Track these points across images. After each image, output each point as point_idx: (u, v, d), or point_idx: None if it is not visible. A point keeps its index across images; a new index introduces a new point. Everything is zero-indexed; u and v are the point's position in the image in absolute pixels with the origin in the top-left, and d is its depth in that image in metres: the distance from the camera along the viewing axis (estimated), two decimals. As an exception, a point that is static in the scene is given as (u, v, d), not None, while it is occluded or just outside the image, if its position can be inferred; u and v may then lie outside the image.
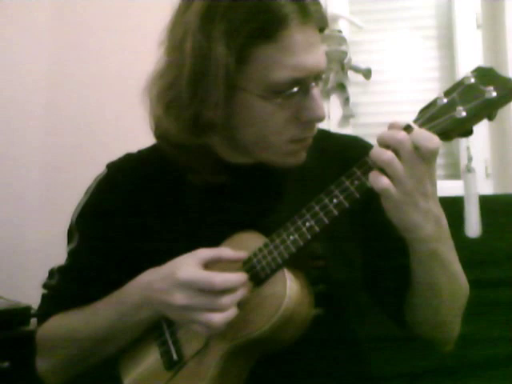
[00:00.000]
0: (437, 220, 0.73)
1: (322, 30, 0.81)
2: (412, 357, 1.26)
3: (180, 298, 0.75)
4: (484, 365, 1.27)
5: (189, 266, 0.77)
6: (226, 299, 0.74)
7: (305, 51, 0.76)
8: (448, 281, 0.81)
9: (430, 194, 0.70)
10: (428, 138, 0.68)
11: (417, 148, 0.67)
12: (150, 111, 0.86)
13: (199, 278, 0.75)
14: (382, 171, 0.69)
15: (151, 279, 0.81)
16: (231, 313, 0.74)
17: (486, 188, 1.85)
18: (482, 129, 1.86)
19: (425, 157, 0.68)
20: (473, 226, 0.73)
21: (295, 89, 0.77)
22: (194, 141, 0.83)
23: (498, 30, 1.88)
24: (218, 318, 0.73)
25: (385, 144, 0.69)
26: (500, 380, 1.26)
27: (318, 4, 0.80)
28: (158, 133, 0.88)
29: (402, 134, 0.68)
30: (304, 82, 0.78)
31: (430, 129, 0.70)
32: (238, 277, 0.76)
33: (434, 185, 0.71)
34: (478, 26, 1.92)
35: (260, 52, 0.75)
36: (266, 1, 0.75)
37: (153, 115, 0.86)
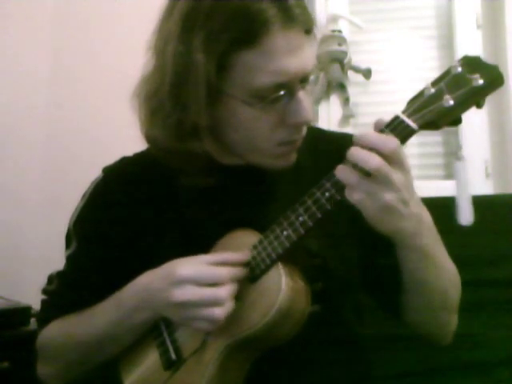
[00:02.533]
0: (418, 219, 0.73)
1: (308, 31, 0.79)
2: (412, 357, 1.26)
3: (179, 295, 0.75)
4: (483, 365, 1.27)
5: (190, 264, 0.78)
6: (224, 292, 0.74)
7: (287, 55, 0.75)
8: (437, 275, 0.82)
9: (409, 199, 0.70)
10: (383, 141, 0.68)
11: (382, 155, 0.67)
12: (138, 116, 0.86)
13: (203, 271, 0.76)
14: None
15: (149, 280, 0.81)
16: (229, 306, 0.75)
17: (486, 188, 1.85)
18: (481, 129, 1.86)
19: (392, 160, 0.68)
20: (465, 214, 0.73)
21: (281, 92, 0.77)
22: (181, 146, 0.83)
23: (498, 30, 1.88)
24: (218, 311, 0.74)
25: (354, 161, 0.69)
26: (499, 380, 1.26)
27: (302, 5, 0.78)
28: (147, 137, 0.88)
29: (364, 154, 0.68)
30: (289, 86, 0.77)
31: (418, 119, 0.70)
32: (239, 270, 0.77)
33: (411, 188, 0.71)
34: (478, 26, 1.91)
35: (242, 58, 0.75)
36: (247, 5, 0.73)
37: (140, 121, 0.86)
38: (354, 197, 0.69)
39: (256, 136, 0.80)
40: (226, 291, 0.75)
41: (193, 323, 0.77)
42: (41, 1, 1.99)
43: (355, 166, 0.68)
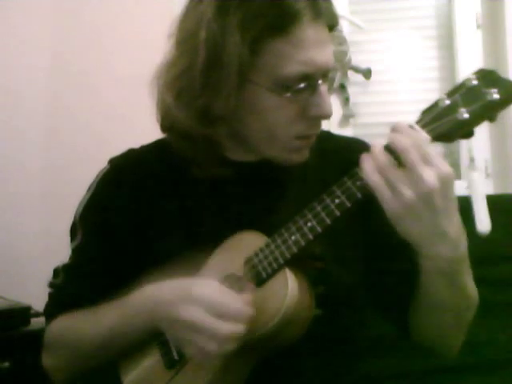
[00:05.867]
0: (454, 243, 0.70)
1: (331, 28, 0.82)
2: (412, 357, 1.26)
3: (185, 313, 0.73)
4: (484, 366, 1.27)
5: (207, 285, 0.76)
6: (227, 330, 0.71)
7: (315, 47, 0.77)
8: (453, 297, 0.79)
9: (440, 209, 0.66)
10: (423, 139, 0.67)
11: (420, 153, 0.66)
12: (158, 100, 0.86)
13: (218, 299, 0.73)
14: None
15: (161, 291, 0.79)
16: (228, 347, 0.71)
17: (486, 188, 1.85)
18: (482, 129, 1.86)
19: (426, 161, 0.66)
20: (483, 222, 0.73)
21: (303, 84, 0.78)
22: (202, 130, 0.83)
23: (498, 30, 1.88)
24: (212, 347, 0.71)
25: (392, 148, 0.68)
26: (500, 381, 1.26)
27: (329, 2, 0.81)
28: (166, 122, 0.88)
29: (406, 141, 0.66)
30: (312, 78, 0.79)
31: (432, 130, 0.70)
32: (249, 311, 0.74)
33: (449, 200, 0.67)
34: (478, 26, 1.92)
35: (272, 45, 0.77)
36: None
37: (162, 104, 0.86)
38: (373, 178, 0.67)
39: (275, 126, 0.81)
40: (229, 330, 0.71)
41: (184, 345, 0.75)
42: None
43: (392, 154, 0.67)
